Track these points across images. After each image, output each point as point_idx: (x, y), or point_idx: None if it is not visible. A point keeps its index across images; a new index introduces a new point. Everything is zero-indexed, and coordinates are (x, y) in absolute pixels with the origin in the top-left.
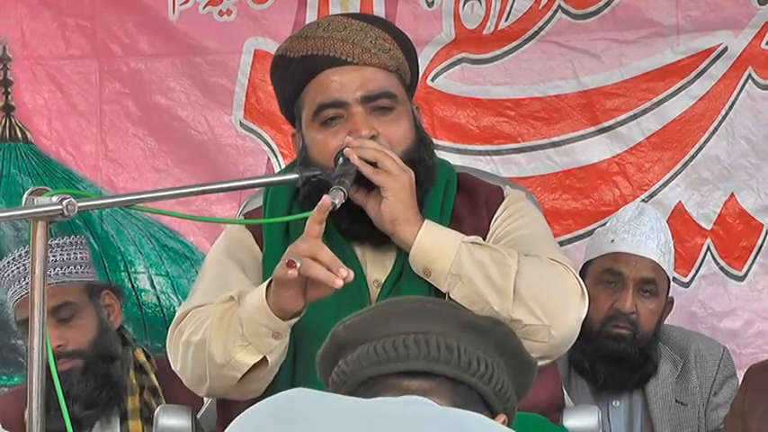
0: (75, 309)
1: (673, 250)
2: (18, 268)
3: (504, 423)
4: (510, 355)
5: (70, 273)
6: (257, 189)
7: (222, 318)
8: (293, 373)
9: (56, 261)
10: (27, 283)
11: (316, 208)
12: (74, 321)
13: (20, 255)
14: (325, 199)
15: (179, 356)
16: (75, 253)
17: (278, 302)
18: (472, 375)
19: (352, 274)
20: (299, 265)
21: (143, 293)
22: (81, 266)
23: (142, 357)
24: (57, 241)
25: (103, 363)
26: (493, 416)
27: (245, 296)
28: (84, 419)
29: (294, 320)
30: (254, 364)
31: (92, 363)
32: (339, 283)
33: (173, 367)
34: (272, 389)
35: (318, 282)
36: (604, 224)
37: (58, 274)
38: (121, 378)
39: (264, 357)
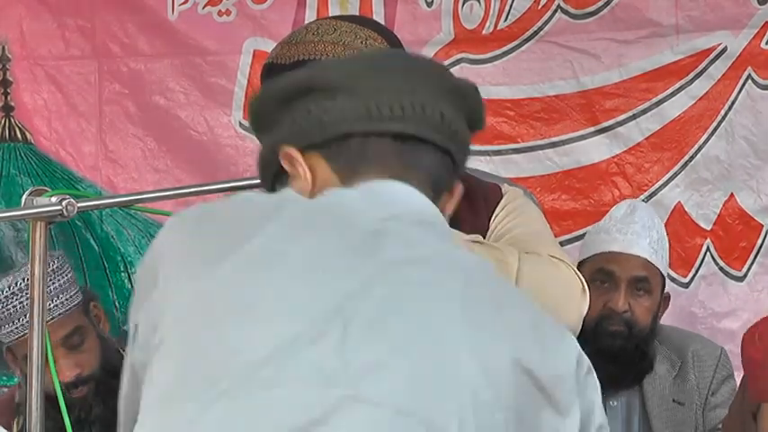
0: (84, 332)
1: (667, 246)
2: (14, 305)
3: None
4: (474, 119)
5: (69, 298)
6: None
7: None
8: None
9: (54, 290)
10: (22, 325)
11: None
12: (84, 345)
13: (11, 292)
14: None
15: None
16: (65, 276)
17: None
18: (455, 144)
19: None
20: None
21: None
22: (74, 288)
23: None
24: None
25: (113, 379)
26: (454, 182)
27: None
28: None
29: None
30: None
31: (102, 383)
32: None
33: None
34: None
35: None
36: None
37: (63, 304)
38: None
39: None
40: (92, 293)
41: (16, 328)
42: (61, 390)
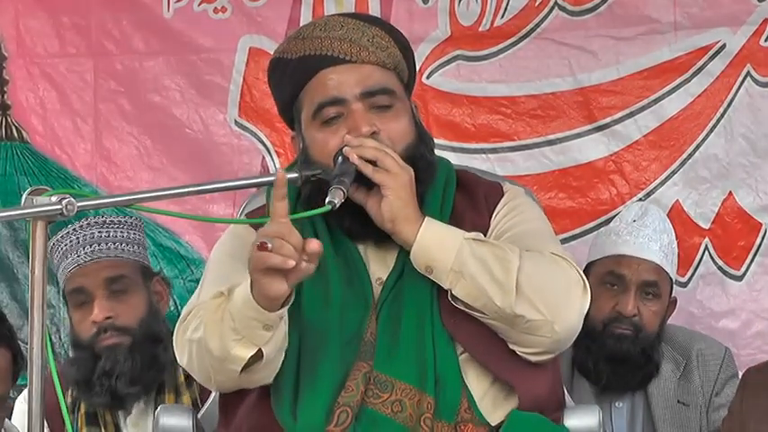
0: (129, 284)
1: (676, 251)
2: (77, 238)
3: None
4: None
5: (126, 250)
6: (256, 189)
7: (215, 313)
8: (297, 372)
9: (114, 237)
10: (86, 253)
11: (274, 184)
12: (125, 297)
13: (80, 226)
14: (279, 172)
15: (185, 354)
16: (131, 233)
17: (261, 291)
18: None
19: (320, 243)
20: (270, 246)
21: None
22: (137, 246)
23: None
24: (113, 219)
25: (152, 344)
26: None
27: (234, 290)
28: (126, 397)
29: (283, 310)
30: (254, 356)
31: (139, 342)
32: (312, 267)
33: (180, 363)
34: (276, 387)
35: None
36: (601, 223)
37: (116, 248)
38: (166, 363)
39: (260, 349)
40: (163, 275)
41: (78, 257)
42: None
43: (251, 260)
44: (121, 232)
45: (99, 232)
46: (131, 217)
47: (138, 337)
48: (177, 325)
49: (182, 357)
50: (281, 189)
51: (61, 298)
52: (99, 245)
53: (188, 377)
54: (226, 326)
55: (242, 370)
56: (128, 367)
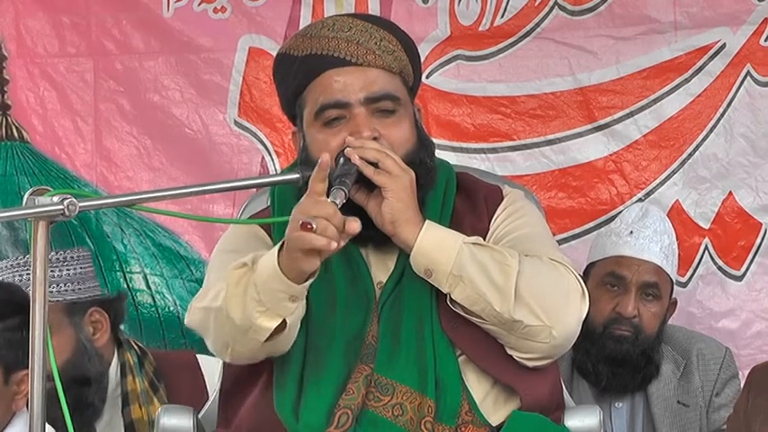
0: (51, 329)
1: (677, 252)
2: (14, 277)
3: None
4: None
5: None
6: (257, 189)
7: (238, 284)
8: (302, 372)
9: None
10: None
11: (317, 166)
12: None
13: (18, 263)
14: (324, 156)
15: (200, 323)
16: (55, 271)
17: (292, 265)
18: None
19: (359, 224)
20: (314, 226)
21: (138, 293)
22: (61, 284)
23: (134, 359)
24: (28, 259)
25: (76, 386)
26: None
27: (258, 261)
28: None
29: (309, 282)
30: (277, 327)
31: (65, 386)
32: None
33: (188, 326)
34: (280, 386)
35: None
36: (601, 223)
37: None
38: (96, 401)
39: (284, 319)
40: (106, 299)
41: None
42: None
43: (291, 239)
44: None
45: (20, 276)
46: (57, 252)
47: (64, 381)
48: (190, 305)
49: (193, 323)
50: (323, 171)
51: None
52: None
53: (152, 383)
54: (249, 297)
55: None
56: (53, 413)
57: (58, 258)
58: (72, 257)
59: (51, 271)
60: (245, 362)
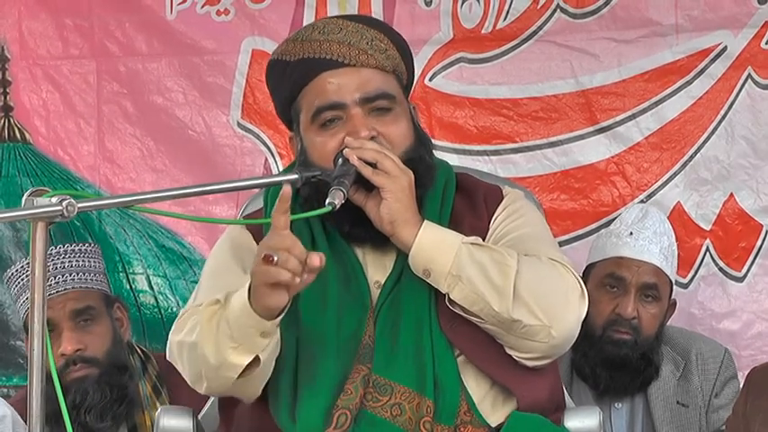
0: (95, 315)
1: (676, 253)
2: (27, 278)
3: None
4: None
5: (91, 280)
6: (257, 190)
7: (210, 320)
8: (295, 375)
9: (76, 266)
10: (50, 285)
11: (278, 199)
12: (92, 327)
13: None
14: (286, 188)
15: (176, 356)
16: (92, 261)
17: (260, 301)
18: None
19: (323, 257)
20: (276, 259)
21: (141, 294)
22: (98, 275)
23: (137, 363)
24: (73, 247)
25: (119, 374)
26: None
27: (231, 298)
28: (97, 431)
29: (280, 318)
30: (249, 363)
31: (107, 373)
32: (312, 278)
33: (169, 359)
34: (274, 391)
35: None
36: (603, 225)
37: (81, 279)
38: (133, 391)
39: (257, 356)
40: (120, 299)
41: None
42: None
43: (256, 273)
44: (84, 261)
45: (62, 262)
46: (90, 244)
47: (106, 367)
48: (173, 326)
49: (171, 355)
50: (285, 203)
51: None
52: (63, 276)
53: (155, 387)
54: (222, 334)
55: (238, 377)
56: (97, 400)
57: (83, 249)
58: (91, 251)
59: (83, 259)
60: (218, 396)
